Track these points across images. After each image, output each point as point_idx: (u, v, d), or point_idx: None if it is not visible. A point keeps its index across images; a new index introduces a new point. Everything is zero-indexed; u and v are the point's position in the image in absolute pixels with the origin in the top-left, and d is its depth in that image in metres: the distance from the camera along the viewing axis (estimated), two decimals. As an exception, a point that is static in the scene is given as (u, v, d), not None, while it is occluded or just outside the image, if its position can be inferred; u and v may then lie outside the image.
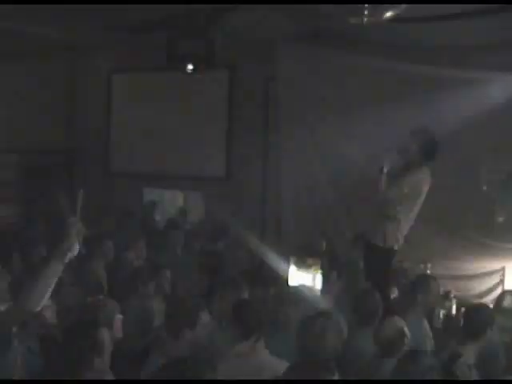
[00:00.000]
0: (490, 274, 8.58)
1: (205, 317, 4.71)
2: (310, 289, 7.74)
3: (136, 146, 11.24)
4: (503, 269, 8.58)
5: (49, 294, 3.66)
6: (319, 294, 7.55)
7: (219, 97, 10.55)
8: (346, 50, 8.91)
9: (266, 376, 4.42)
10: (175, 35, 8.27)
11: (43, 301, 3.65)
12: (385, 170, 6.55)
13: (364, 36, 8.16)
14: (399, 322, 5.31)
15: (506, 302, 6.00)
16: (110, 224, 9.86)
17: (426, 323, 6.20)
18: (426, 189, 6.69)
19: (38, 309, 3.67)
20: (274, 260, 8.27)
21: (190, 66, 8.50)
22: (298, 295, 6.40)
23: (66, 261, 3.69)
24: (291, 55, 9.59)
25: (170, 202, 12.01)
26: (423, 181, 6.70)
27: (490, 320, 5.16)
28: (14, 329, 3.81)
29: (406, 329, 5.23)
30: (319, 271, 8.63)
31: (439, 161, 8.63)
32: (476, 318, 5.17)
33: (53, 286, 3.66)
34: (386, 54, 8.63)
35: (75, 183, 11.74)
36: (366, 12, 5.15)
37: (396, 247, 6.87)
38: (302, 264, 8.51)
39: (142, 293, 6.42)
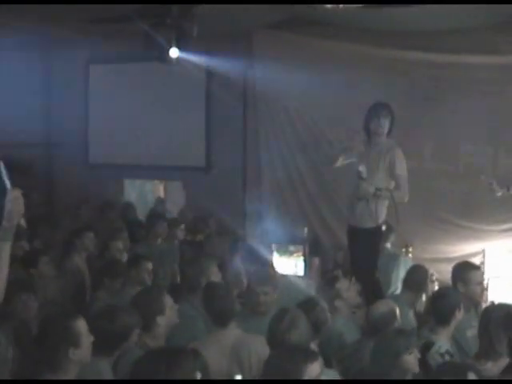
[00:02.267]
0: (471, 256, 8.62)
1: (169, 300, 4.82)
2: (293, 275, 7.80)
3: (114, 136, 11.18)
4: (483, 251, 8.64)
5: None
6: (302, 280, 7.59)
7: (197, 86, 10.51)
8: (322, 35, 8.92)
9: (243, 352, 4.54)
10: (151, 24, 8.22)
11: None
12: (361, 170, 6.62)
13: (339, 22, 8.17)
14: (392, 303, 5.39)
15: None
16: (89, 216, 9.83)
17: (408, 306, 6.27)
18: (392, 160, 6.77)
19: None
20: (255, 248, 8.28)
21: (167, 56, 8.46)
22: (278, 276, 6.44)
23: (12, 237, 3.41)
24: (268, 43, 9.59)
25: (150, 192, 11.99)
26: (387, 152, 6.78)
27: (456, 302, 5.19)
28: None
29: (397, 310, 5.31)
30: (301, 258, 8.65)
31: (418, 144, 8.75)
32: (442, 301, 5.21)
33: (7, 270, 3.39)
34: (360, 38, 8.66)
35: (53, 176, 11.68)
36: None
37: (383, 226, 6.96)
38: (284, 251, 8.53)
39: (108, 287, 6.42)
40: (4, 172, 3.44)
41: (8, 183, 3.43)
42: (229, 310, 4.82)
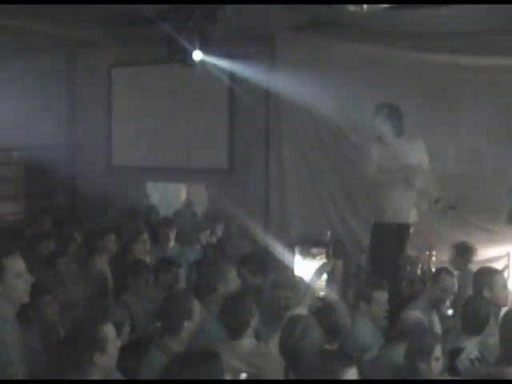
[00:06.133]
0: (495, 259, 8.55)
1: (196, 305, 4.79)
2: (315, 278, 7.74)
3: (138, 139, 11.22)
4: (508, 254, 8.57)
5: None
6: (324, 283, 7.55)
7: (220, 88, 10.50)
8: (345, 37, 8.89)
9: (257, 361, 4.53)
10: (175, 27, 8.25)
11: None
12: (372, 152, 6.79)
13: (362, 23, 8.14)
14: (419, 315, 5.33)
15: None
16: (112, 218, 9.87)
17: (434, 311, 6.21)
18: (409, 161, 6.79)
19: None
20: (278, 250, 8.27)
21: (190, 58, 8.49)
22: (298, 280, 6.38)
23: None
24: (290, 44, 9.59)
25: (172, 194, 12.01)
26: (401, 153, 6.80)
27: (489, 313, 5.15)
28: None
29: (424, 320, 5.26)
30: (324, 261, 8.63)
31: (443, 147, 8.69)
32: (474, 312, 5.16)
33: None
34: (384, 40, 8.62)
35: (77, 178, 11.75)
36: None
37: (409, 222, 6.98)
38: (307, 254, 8.52)
39: (132, 288, 6.42)
40: None
41: None
42: (244, 324, 4.74)
